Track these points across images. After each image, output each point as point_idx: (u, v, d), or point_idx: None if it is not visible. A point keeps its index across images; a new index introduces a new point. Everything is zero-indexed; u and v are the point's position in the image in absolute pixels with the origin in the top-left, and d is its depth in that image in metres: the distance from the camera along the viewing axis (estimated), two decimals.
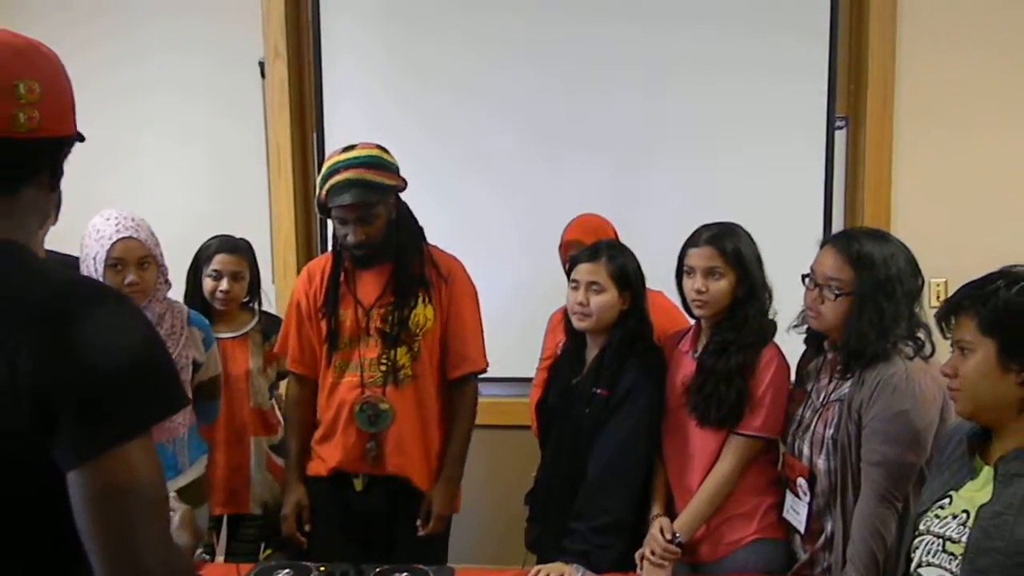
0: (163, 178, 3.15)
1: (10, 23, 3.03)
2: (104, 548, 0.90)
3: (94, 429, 0.88)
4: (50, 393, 0.87)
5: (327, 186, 2.08)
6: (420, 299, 2.18)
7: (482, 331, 2.31)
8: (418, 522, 2.19)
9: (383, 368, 2.17)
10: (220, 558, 2.49)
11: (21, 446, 0.89)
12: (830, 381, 1.85)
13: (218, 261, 2.45)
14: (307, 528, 2.20)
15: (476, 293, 2.31)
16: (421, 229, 2.27)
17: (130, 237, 2.04)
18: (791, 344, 2.00)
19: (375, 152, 2.12)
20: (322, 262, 2.29)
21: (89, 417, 0.88)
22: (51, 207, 1.06)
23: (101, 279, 2.01)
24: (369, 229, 2.11)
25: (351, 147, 2.12)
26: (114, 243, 2.02)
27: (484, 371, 2.32)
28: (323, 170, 2.12)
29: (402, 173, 3.04)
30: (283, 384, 2.54)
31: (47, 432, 0.88)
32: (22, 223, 1.01)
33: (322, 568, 1.88)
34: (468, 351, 2.26)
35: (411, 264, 2.19)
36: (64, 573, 0.95)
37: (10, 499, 0.92)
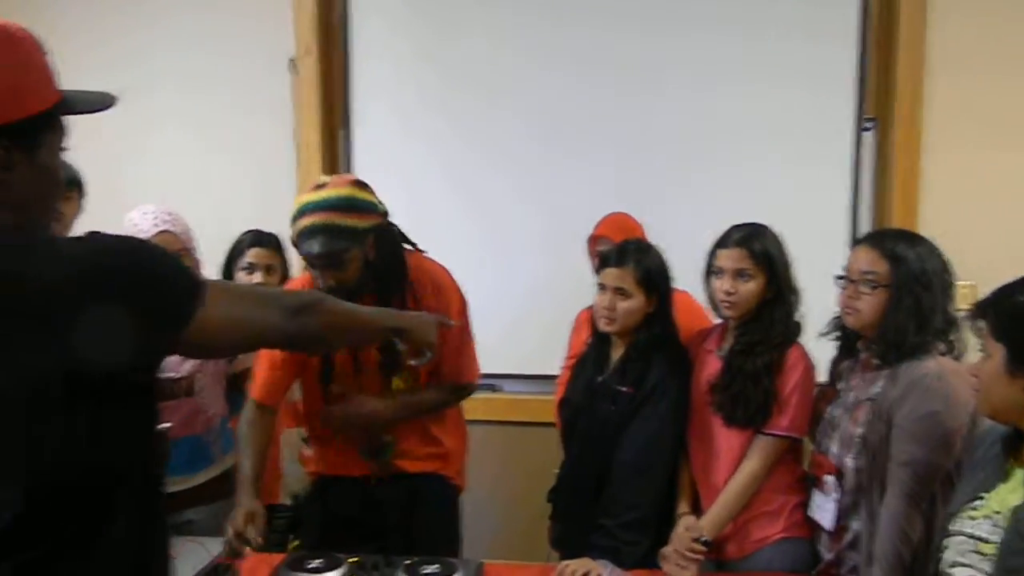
0: (194, 172, 3.18)
1: (40, 14, 3.08)
2: None
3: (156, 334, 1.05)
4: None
5: (296, 229, 1.93)
6: None
7: (472, 344, 2.24)
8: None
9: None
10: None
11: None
12: (862, 381, 1.86)
13: (251, 255, 2.48)
14: (259, 540, 1.93)
15: (464, 305, 2.20)
16: (403, 261, 2.10)
17: (167, 231, 2.09)
18: (819, 349, 2.01)
19: (346, 192, 1.93)
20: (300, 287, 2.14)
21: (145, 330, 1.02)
22: (11, 200, 1.03)
23: None
24: (342, 275, 1.96)
25: (322, 185, 1.95)
26: (152, 237, 2.06)
27: (476, 383, 2.27)
28: (293, 209, 1.96)
29: (429, 170, 3.10)
30: None
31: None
32: None
33: (352, 559, 1.90)
34: (461, 369, 2.20)
35: (392, 302, 2.04)
36: None
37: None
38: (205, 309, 1.06)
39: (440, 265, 2.19)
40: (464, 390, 2.25)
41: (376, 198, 2.00)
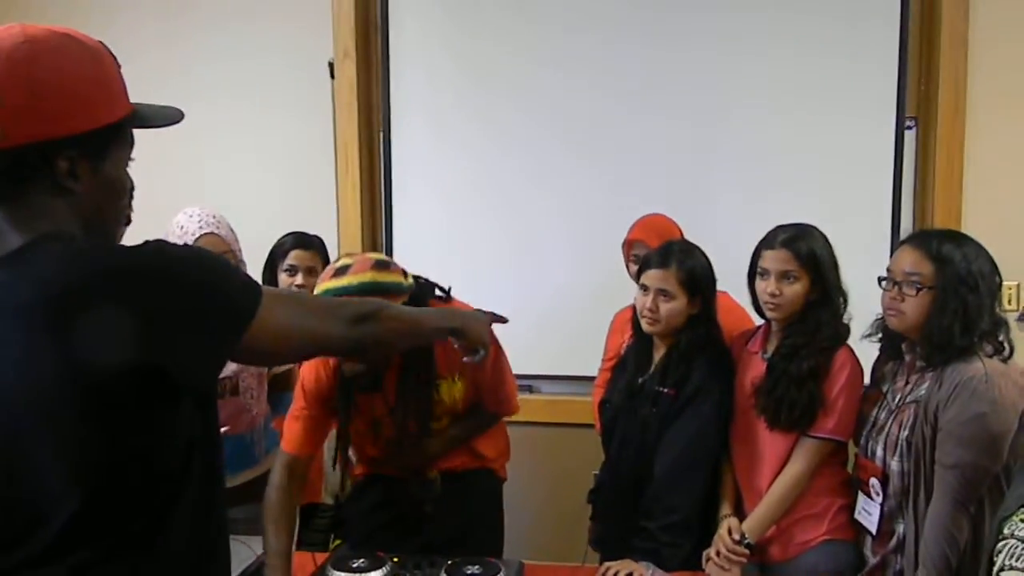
0: (236, 174, 3.23)
1: (86, 21, 3.14)
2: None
3: (209, 343, 1.05)
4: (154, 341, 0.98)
5: None
6: (445, 381, 2.07)
7: (510, 374, 2.20)
8: None
9: None
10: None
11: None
12: (907, 383, 1.84)
13: (293, 256, 2.51)
14: None
15: (497, 345, 2.10)
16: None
17: (212, 233, 2.12)
18: (861, 350, 1.99)
19: (368, 278, 1.84)
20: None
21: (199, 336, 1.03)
22: (77, 209, 1.05)
23: None
24: (366, 358, 1.91)
25: (344, 269, 1.85)
26: (197, 239, 2.10)
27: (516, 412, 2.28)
28: (314, 294, 1.89)
29: (466, 170, 3.11)
30: None
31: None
32: (54, 225, 1.02)
33: (395, 559, 1.91)
34: (500, 402, 2.21)
35: (418, 369, 2.00)
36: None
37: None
38: (263, 314, 1.07)
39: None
40: (505, 415, 2.26)
41: (399, 274, 1.91)
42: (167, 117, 1.14)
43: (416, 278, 2.01)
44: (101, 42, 1.07)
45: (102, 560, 1.00)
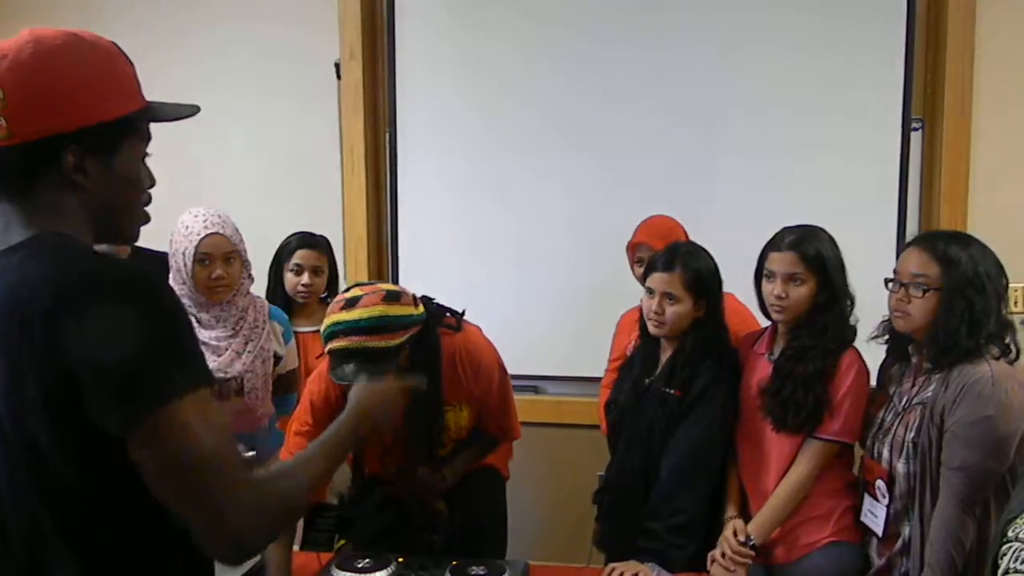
0: (242, 175, 3.24)
1: (96, 21, 3.15)
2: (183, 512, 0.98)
3: (121, 401, 0.94)
4: (75, 365, 0.93)
5: (327, 348, 1.83)
6: (451, 409, 2.08)
7: (512, 403, 2.22)
8: None
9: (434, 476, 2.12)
10: (296, 547, 2.55)
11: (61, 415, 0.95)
12: (913, 385, 1.84)
13: (299, 256, 2.52)
14: None
15: (504, 375, 2.15)
16: (439, 362, 1.99)
17: (217, 233, 2.12)
18: (868, 352, 1.98)
19: (377, 312, 1.79)
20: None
21: (113, 389, 0.93)
22: (87, 205, 1.04)
23: (190, 273, 2.10)
24: None
25: (354, 301, 1.81)
26: (202, 239, 2.10)
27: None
28: (324, 325, 1.84)
29: (471, 171, 3.11)
30: None
31: (75, 401, 0.94)
32: (63, 221, 1.02)
33: (400, 559, 1.92)
34: (504, 429, 2.22)
35: (426, 399, 1.91)
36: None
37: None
38: (192, 402, 0.95)
39: (476, 342, 2.10)
40: (506, 441, 2.29)
41: (410, 305, 1.87)
42: (181, 112, 1.13)
43: (427, 303, 1.98)
44: (113, 42, 1.07)
45: (74, 567, 1.00)
